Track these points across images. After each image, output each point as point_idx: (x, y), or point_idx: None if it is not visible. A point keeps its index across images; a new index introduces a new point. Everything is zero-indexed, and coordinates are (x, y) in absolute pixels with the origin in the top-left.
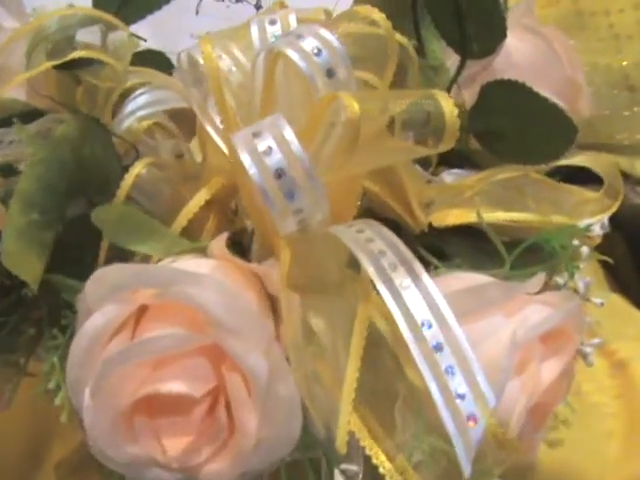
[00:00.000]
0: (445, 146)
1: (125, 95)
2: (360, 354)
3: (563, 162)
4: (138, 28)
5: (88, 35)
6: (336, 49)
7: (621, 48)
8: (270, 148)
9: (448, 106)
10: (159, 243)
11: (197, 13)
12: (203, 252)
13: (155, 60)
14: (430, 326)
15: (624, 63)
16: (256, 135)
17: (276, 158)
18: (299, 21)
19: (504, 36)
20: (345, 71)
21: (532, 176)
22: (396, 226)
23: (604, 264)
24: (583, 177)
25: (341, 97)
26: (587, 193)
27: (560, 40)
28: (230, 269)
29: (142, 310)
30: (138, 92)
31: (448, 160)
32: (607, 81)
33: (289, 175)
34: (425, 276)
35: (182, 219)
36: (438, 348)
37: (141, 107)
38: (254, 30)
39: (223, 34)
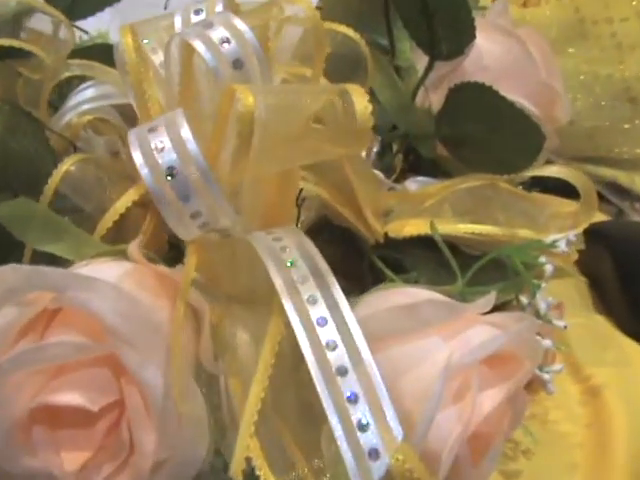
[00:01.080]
0: (357, 147)
1: (69, 89)
2: (268, 372)
3: (535, 173)
4: (104, 22)
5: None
6: (247, 39)
7: (623, 58)
8: (164, 145)
9: (361, 102)
10: (69, 244)
11: (165, 8)
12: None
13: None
14: (335, 347)
15: (626, 74)
16: (151, 131)
17: (169, 156)
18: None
19: (473, 37)
20: (256, 62)
21: (501, 186)
22: (353, 236)
23: (591, 282)
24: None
25: (236, 89)
26: (562, 206)
27: (536, 42)
28: (145, 275)
29: (55, 313)
30: (83, 86)
31: (418, 167)
32: (608, 92)
33: (182, 175)
34: (337, 291)
35: (107, 220)
36: (342, 372)
37: (85, 101)
38: (177, 20)
39: (149, 24)
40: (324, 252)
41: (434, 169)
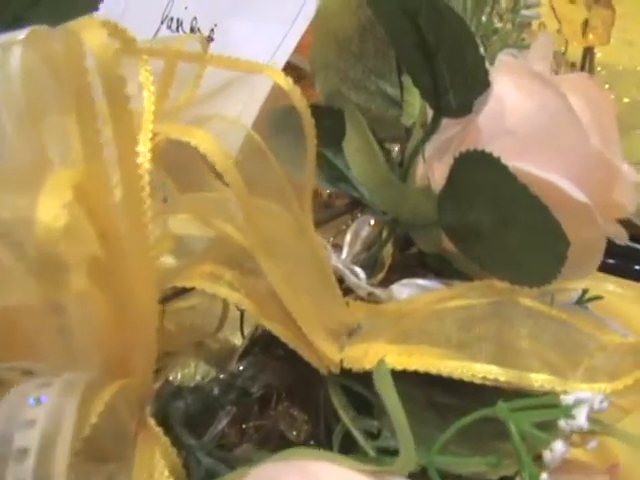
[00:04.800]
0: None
1: None
2: None
3: (574, 285)
4: None
5: None
6: None
7: None
8: None
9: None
10: None
11: None
12: None
13: None
14: None
15: None
16: None
17: None
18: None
19: (485, 86)
20: None
21: (521, 302)
22: None
23: None
24: None
25: None
26: (618, 336)
27: (588, 95)
28: None
29: None
30: None
31: (422, 264)
32: None
33: None
34: None
35: None
36: None
37: None
38: None
39: None
40: (276, 372)
41: (444, 265)
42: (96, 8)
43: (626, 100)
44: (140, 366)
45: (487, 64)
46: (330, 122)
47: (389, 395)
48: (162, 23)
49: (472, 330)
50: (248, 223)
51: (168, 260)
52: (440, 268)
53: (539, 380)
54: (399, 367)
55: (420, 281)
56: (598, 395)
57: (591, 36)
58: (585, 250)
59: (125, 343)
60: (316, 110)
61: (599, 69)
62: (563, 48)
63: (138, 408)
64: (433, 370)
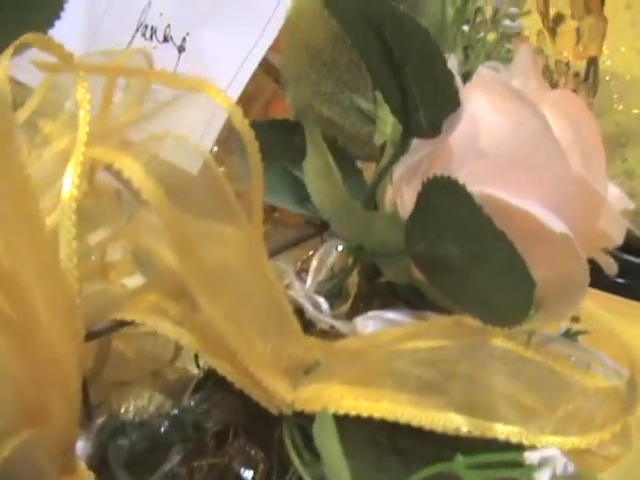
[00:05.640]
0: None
1: None
2: None
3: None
4: None
5: None
6: None
7: None
8: None
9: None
10: None
11: None
12: None
13: None
14: None
15: None
16: None
17: None
18: None
19: (455, 104)
20: None
21: (494, 342)
22: None
23: None
24: None
25: None
26: (600, 379)
27: (570, 114)
28: None
29: None
30: None
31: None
32: None
33: None
34: None
35: None
36: None
37: None
38: None
39: None
40: (230, 407)
41: (417, 296)
42: (61, 9)
43: (635, 111)
44: (61, 415)
45: (459, 81)
46: (300, 139)
47: (330, 451)
48: (137, 31)
49: (439, 374)
50: (182, 256)
51: (133, 281)
52: (412, 299)
53: (505, 432)
54: (353, 412)
55: (388, 314)
56: (564, 457)
57: (581, 48)
58: (568, 283)
59: (43, 394)
60: (285, 125)
61: (607, 78)
62: (566, 57)
63: (59, 455)
64: (390, 416)
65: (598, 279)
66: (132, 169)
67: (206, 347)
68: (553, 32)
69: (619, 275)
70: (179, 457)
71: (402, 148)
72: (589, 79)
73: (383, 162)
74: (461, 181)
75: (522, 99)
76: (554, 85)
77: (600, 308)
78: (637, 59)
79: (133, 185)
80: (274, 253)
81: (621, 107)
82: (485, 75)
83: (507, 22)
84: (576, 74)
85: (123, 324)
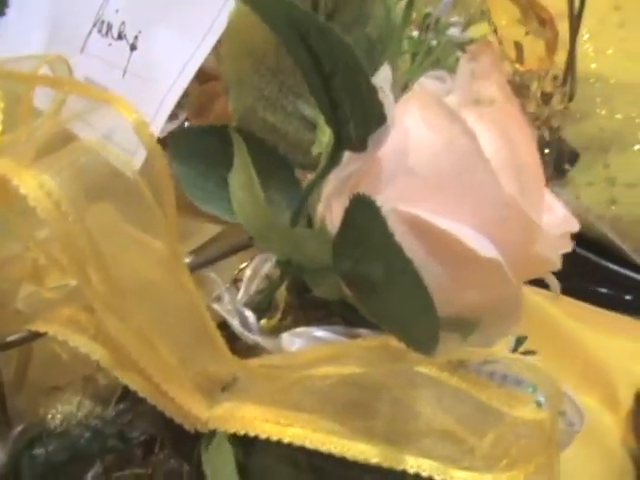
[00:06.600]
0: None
1: None
2: None
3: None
4: None
5: None
6: None
7: None
8: None
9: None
10: None
11: (82, 51)
12: None
13: None
14: None
15: None
16: None
17: None
18: None
19: (380, 119)
20: None
21: (418, 368)
22: None
23: None
24: None
25: None
26: (528, 410)
27: (507, 133)
28: None
29: None
30: None
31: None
32: None
33: None
34: None
35: None
36: None
37: None
38: None
39: None
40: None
41: (350, 311)
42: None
43: (618, 116)
44: None
45: (389, 95)
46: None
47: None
48: (94, 26)
49: (361, 397)
50: (80, 276)
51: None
52: (346, 314)
53: (416, 466)
54: (263, 435)
55: (317, 332)
56: None
57: (531, 60)
58: (500, 307)
59: None
60: (224, 131)
61: (592, 81)
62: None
63: None
64: (298, 442)
65: (578, 288)
66: (29, 186)
67: (118, 362)
68: (503, 43)
69: (600, 284)
70: (100, 468)
71: (333, 161)
72: (567, 83)
73: (316, 174)
74: (388, 199)
75: (453, 116)
76: (526, 88)
77: (574, 319)
78: (624, 62)
79: (29, 202)
80: (213, 260)
81: (604, 111)
82: (421, 88)
83: (453, 30)
84: (555, 77)
85: (38, 335)
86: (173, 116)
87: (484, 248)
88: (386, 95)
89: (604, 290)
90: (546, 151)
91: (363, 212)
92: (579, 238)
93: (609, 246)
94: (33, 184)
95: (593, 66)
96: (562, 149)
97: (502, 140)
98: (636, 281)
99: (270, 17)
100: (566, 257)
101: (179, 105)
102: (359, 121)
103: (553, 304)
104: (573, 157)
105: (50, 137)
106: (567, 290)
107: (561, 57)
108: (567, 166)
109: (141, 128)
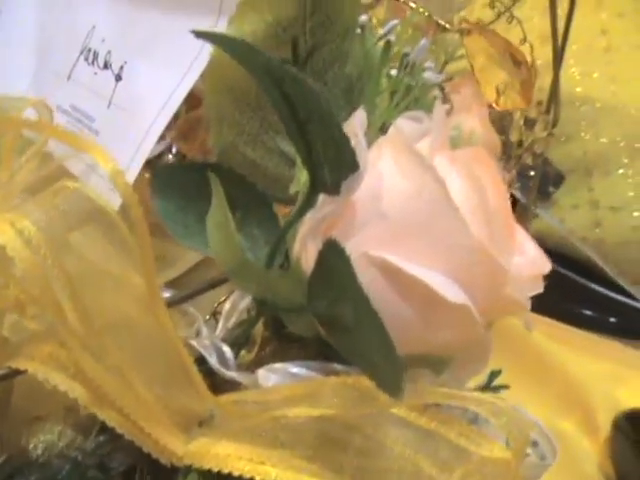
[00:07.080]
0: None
1: None
2: None
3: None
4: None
5: None
6: None
7: None
8: None
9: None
10: None
11: (68, 79)
12: None
13: None
14: None
15: None
16: None
17: None
18: None
19: (353, 166)
20: None
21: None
22: None
23: None
24: None
25: None
26: (498, 448)
27: (476, 178)
28: None
29: None
30: None
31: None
32: None
33: None
34: None
35: None
36: None
37: None
38: None
39: None
40: (134, 449)
41: (326, 348)
42: None
43: (603, 140)
44: None
45: (362, 141)
46: None
47: None
48: (81, 54)
49: (334, 434)
50: (57, 318)
51: None
52: (321, 349)
53: None
54: (236, 472)
55: (292, 368)
56: None
57: (507, 100)
58: (470, 348)
59: None
60: (204, 167)
61: (578, 104)
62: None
63: None
64: None
65: (563, 310)
66: (8, 236)
67: (96, 400)
68: (480, 82)
69: (585, 306)
70: None
71: (309, 202)
72: (550, 111)
73: (292, 213)
74: (360, 243)
75: (424, 164)
76: (509, 114)
77: (557, 341)
78: (609, 86)
79: (7, 253)
80: (191, 295)
81: (589, 135)
82: (397, 131)
83: (428, 74)
84: (539, 102)
85: (19, 372)
86: (161, 137)
87: (453, 293)
88: (359, 141)
89: (589, 312)
90: (531, 173)
91: (334, 256)
92: (564, 260)
93: (593, 268)
94: (11, 233)
95: (579, 89)
96: (547, 171)
97: (472, 186)
98: (621, 304)
99: (247, 64)
100: (551, 279)
101: (167, 127)
102: (332, 167)
103: (534, 326)
104: (558, 179)
105: (34, 177)
106: (551, 312)
107: (547, 81)
108: (552, 188)
109: (117, 177)
